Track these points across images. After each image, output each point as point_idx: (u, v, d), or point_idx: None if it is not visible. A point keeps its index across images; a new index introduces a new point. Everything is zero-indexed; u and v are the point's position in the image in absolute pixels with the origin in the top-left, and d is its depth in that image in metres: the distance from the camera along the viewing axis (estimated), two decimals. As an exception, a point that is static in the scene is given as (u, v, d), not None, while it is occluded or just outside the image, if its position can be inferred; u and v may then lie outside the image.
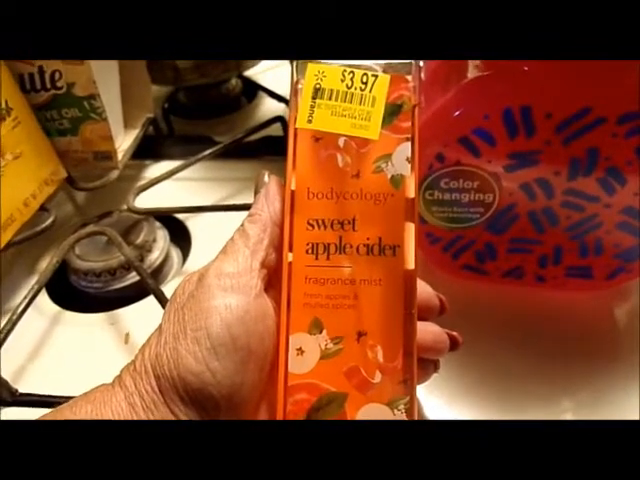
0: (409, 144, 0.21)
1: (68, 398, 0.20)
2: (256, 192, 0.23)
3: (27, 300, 0.33)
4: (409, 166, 0.21)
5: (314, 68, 0.21)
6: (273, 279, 0.21)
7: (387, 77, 0.21)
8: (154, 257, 0.40)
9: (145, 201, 0.42)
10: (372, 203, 0.21)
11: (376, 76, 0.21)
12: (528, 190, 0.29)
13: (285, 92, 0.21)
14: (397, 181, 0.21)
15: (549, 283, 0.34)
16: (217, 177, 0.49)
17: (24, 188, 0.35)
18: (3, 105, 0.33)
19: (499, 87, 0.25)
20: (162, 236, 0.42)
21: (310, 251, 0.21)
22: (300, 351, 0.20)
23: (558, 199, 0.29)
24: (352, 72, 0.21)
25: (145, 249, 0.40)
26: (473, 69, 0.26)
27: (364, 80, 0.21)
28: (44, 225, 0.38)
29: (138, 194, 0.42)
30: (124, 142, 0.44)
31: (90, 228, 0.39)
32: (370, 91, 0.21)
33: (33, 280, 0.35)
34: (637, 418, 0.28)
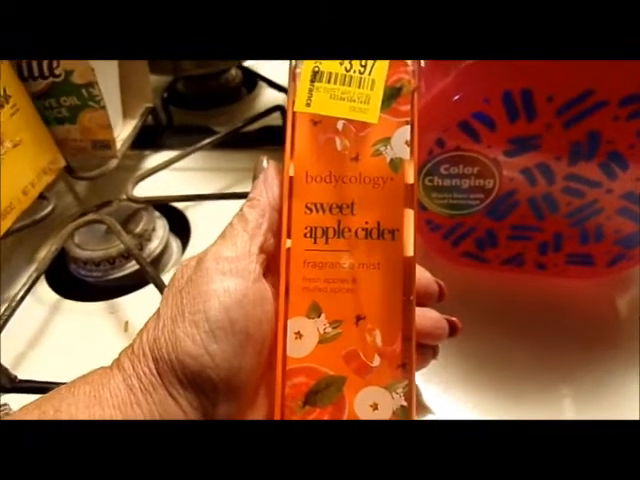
0: (408, 127, 0.21)
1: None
2: (255, 178, 0.23)
3: (26, 287, 0.33)
4: (408, 150, 0.21)
5: (313, 51, 0.21)
6: (272, 265, 0.21)
7: (386, 60, 0.21)
8: (153, 246, 0.40)
9: (144, 191, 0.41)
10: (371, 187, 0.21)
11: (375, 59, 0.21)
12: (529, 175, 0.29)
13: (285, 82, 0.21)
14: (396, 164, 0.21)
15: (549, 270, 0.34)
16: (216, 167, 0.49)
17: (23, 176, 0.35)
18: (1, 92, 0.33)
19: (499, 70, 0.25)
20: (161, 225, 0.42)
21: (309, 235, 0.21)
22: (299, 335, 0.20)
23: (559, 185, 0.29)
24: None
25: (144, 238, 0.40)
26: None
27: (363, 63, 0.21)
28: (43, 213, 0.38)
29: (137, 183, 0.41)
30: (123, 131, 0.44)
31: (89, 216, 0.39)
32: (369, 74, 0.21)
33: (32, 268, 0.35)
34: (637, 405, 0.28)
